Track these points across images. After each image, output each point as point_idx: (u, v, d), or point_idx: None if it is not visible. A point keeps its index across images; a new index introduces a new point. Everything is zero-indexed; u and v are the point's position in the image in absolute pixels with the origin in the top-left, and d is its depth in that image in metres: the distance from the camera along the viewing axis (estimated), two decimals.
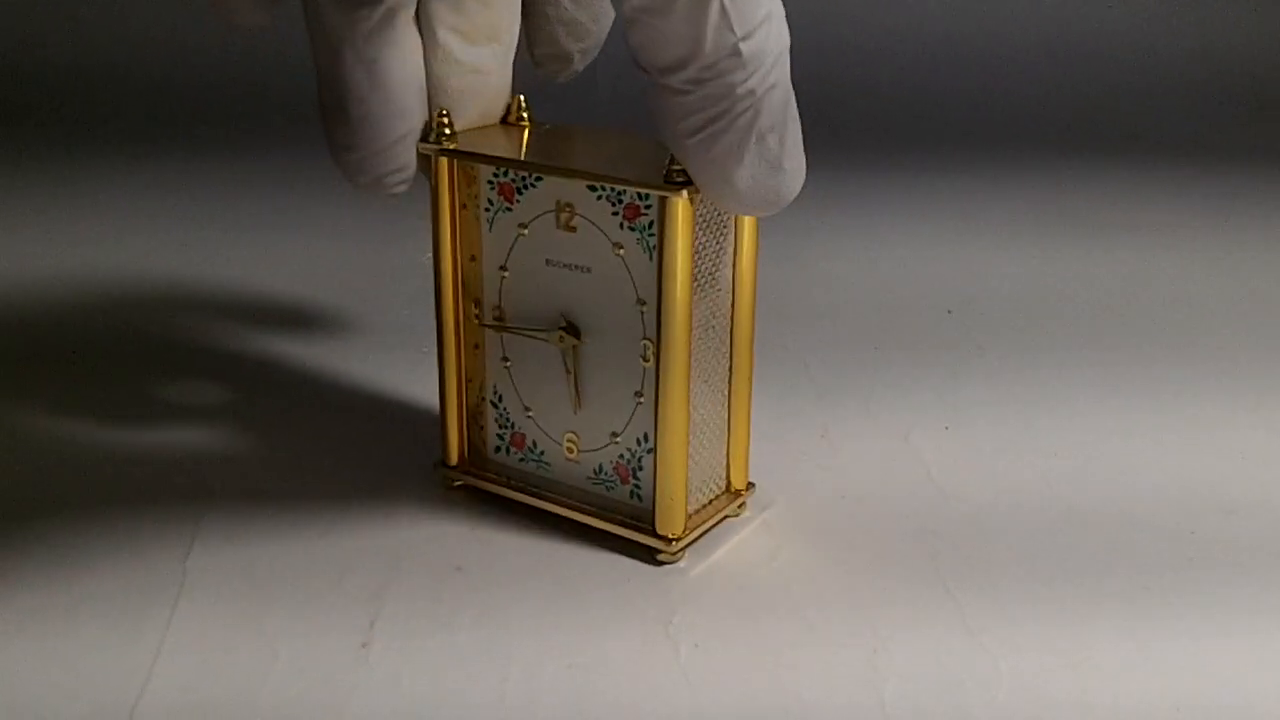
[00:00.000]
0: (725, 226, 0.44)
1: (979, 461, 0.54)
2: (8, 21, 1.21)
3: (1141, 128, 1.13)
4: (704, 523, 0.46)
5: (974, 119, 1.14)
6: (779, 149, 0.39)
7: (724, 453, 0.48)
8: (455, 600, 0.43)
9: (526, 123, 0.48)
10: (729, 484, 0.48)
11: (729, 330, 0.46)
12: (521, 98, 0.48)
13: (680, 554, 0.45)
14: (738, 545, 0.47)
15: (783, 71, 0.39)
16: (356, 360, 0.63)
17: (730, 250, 0.45)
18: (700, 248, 0.43)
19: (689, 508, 0.46)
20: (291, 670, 0.40)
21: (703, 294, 0.44)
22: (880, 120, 1.13)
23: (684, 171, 0.41)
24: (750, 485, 0.49)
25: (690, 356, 0.43)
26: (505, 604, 0.43)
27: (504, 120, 0.48)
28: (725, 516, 0.48)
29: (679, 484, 0.44)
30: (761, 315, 0.67)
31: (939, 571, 0.45)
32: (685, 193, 0.41)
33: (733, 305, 0.46)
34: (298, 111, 1.06)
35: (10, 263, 0.77)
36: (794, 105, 0.40)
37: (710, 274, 0.44)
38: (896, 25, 1.26)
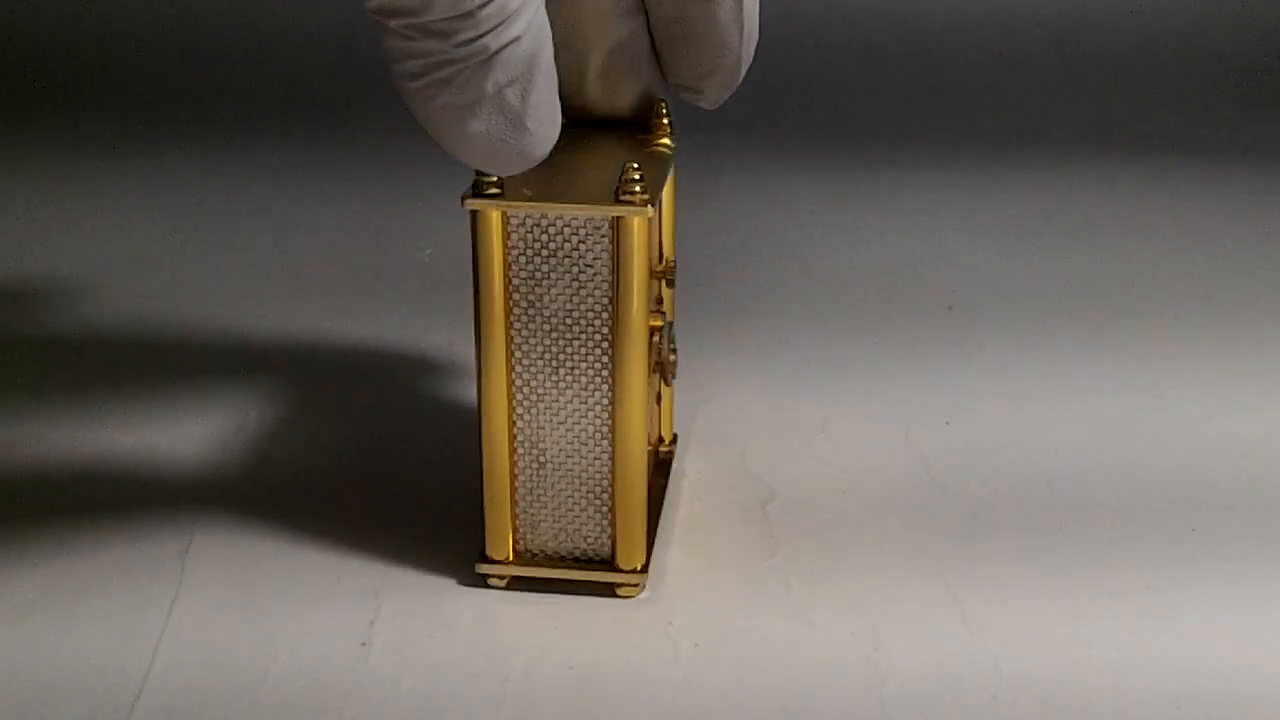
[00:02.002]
0: (553, 246, 0.41)
1: (979, 457, 0.54)
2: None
3: (1143, 126, 1.12)
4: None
5: (974, 115, 1.14)
6: (520, 105, 0.37)
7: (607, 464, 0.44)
8: (455, 599, 0.43)
9: None
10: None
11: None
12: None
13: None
14: (737, 543, 0.47)
15: (529, 26, 0.37)
16: (356, 361, 0.63)
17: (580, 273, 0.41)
18: (517, 268, 0.41)
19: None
20: (291, 669, 0.40)
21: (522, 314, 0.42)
22: (880, 116, 1.13)
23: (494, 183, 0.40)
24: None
25: (509, 379, 0.42)
26: (505, 603, 0.43)
27: None
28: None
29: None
30: (762, 312, 0.68)
31: (939, 568, 0.45)
32: (498, 207, 0.40)
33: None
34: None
35: (11, 249, 0.77)
36: (546, 62, 0.38)
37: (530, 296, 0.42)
38: (897, 22, 1.26)
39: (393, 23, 0.36)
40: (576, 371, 0.42)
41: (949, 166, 0.99)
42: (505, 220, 0.41)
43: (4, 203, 0.88)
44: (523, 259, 0.41)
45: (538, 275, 0.41)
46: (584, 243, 0.41)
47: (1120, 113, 1.14)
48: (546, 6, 0.44)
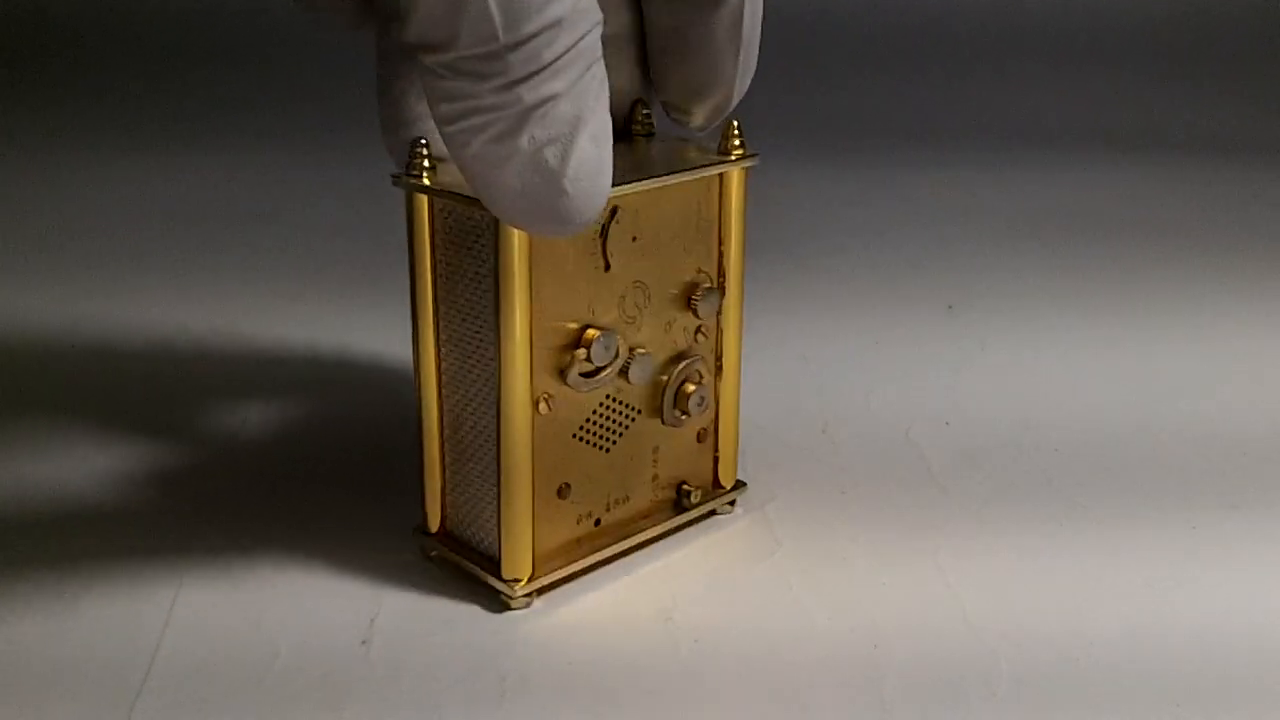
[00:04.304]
0: (479, 243, 0.41)
1: (980, 457, 0.54)
2: None
3: (1144, 124, 1.12)
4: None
5: (974, 114, 1.14)
6: (559, 166, 0.36)
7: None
8: (455, 598, 0.43)
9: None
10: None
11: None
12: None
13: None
14: (737, 541, 0.47)
15: (575, 83, 0.36)
16: (357, 361, 0.63)
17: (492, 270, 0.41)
18: (439, 255, 0.41)
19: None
20: (291, 668, 0.40)
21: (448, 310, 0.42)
22: (880, 115, 1.13)
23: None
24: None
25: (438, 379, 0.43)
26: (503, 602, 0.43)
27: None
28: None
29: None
30: (762, 311, 0.68)
31: (940, 567, 0.45)
32: (431, 199, 0.40)
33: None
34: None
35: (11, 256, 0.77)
36: (597, 125, 0.37)
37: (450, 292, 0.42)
38: (897, 21, 1.26)
39: (427, 60, 0.36)
40: (478, 368, 0.42)
41: (949, 166, 0.99)
42: (431, 206, 0.41)
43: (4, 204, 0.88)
44: (441, 247, 0.42)
45: (452, 265, 0.41)
46: (479, 240, 0.40)
47: (1121, 111, 1.14)
48: None
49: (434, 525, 0.45)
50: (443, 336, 0.43)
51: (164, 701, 0.38)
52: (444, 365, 0.43)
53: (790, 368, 0.62)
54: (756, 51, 0.45)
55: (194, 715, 0.37)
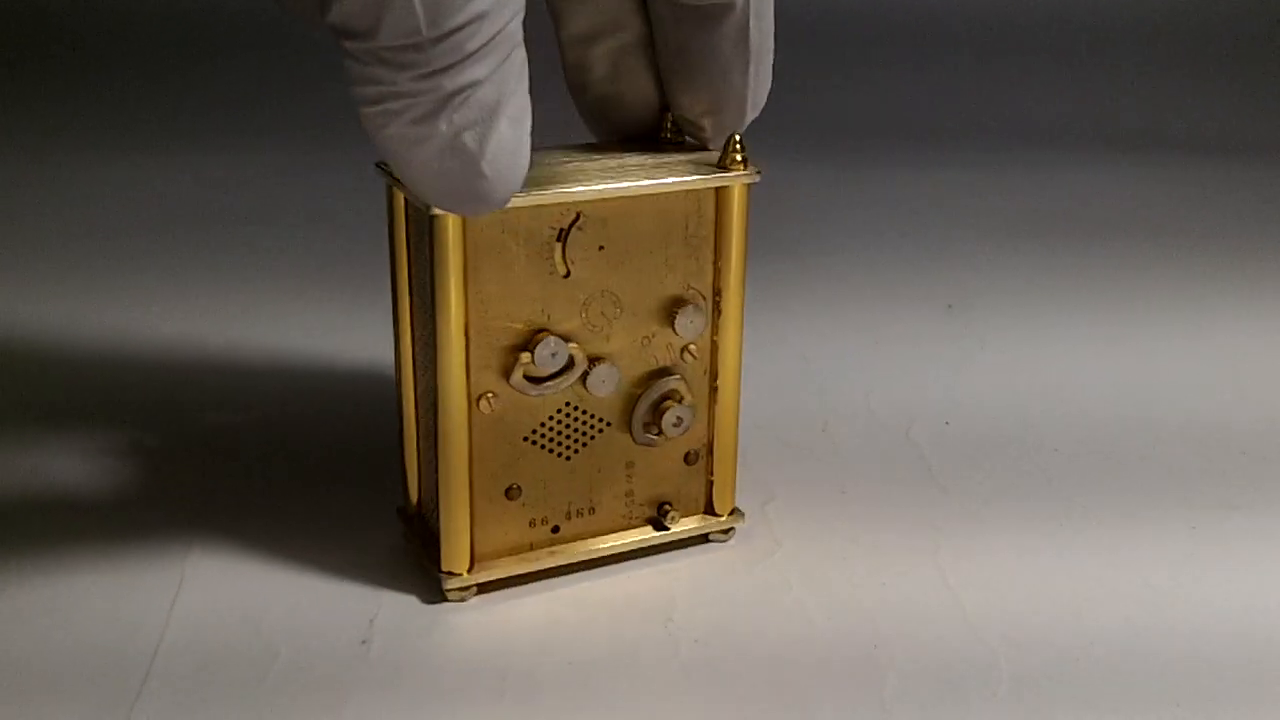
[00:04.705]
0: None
1: (979, 457, 0.54)
2: None
3: (1144, 124, 1.12)
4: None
5: (974, 114, 1.14)
6: (477, 149, 0.36)
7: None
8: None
9: None
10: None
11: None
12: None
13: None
14: (737, 541, 0.47)
15: (496, 69, 0.36)
16: (358, 361, 0.63)
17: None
18: (414, 251, 0.42)
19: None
20: (291, 667, 0.40)
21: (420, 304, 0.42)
22: (880, 113, 1.13)
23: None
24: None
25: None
26: (505, 601, 0.43)
27: None
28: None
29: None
30: (762, 310, 0.68)
31: (939, 567, 0.45)
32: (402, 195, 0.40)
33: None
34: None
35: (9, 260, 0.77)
36: (516, 107, 0.37)
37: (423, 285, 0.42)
38: (897, 20, 1.26)
39: (348, 45, 0.36)
40: (432, 359, 0.42)
41: (949, 166, 0.99)
42: (405, 198, 0.41)
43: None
44: (412, 238, 0.42)
45: (418, 256, 0.42)
46: (426, 235, 0.40)
47: (1121, 111, 1.14)
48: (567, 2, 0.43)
49: (410, 509, 0.45)
50: (416, 327, 0.43)
51: (164, 702, 0.38)
52: (416, 354, 0.43)
53: (790, 367, 0.62)
54: (769, 66, 0.44)
55: (194, 715, 0.37)
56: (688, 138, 0.46)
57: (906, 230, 0.84)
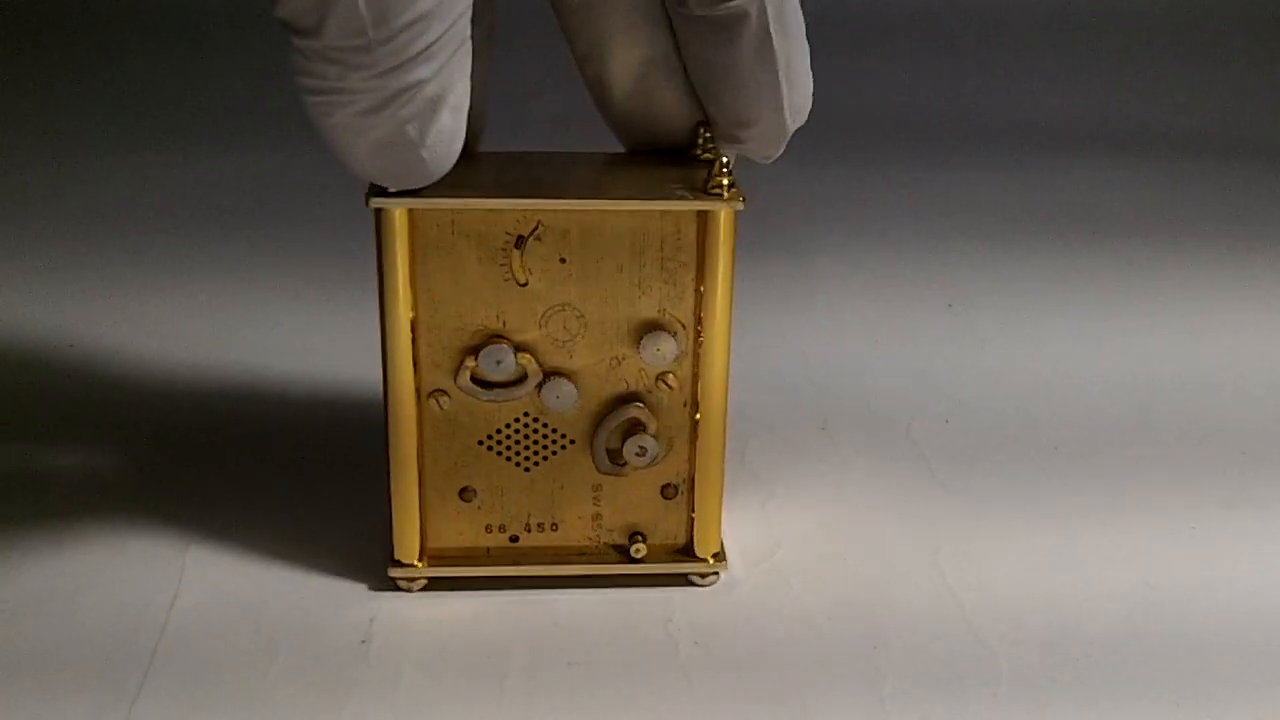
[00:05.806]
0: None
1: (979, 455, 0.54)
2: None
3: (1145, 124, 1.12)
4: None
5: (975, 114, 1.14)
6: (417, 138, 0.38)
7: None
8: (455, 597, 0.43)
9: None
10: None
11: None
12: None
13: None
14: (737, 541, 0.47)
15: (439, 69, 0.37)
16: (358, 360, 0.62)
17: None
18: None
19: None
20: (291, 667, 0.40)
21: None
22: (880, 114, 1.13)
23: None
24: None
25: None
26: (505, 601, 0.43)
27: None
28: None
29: None
30: (763, 310, 0.68)
31: (939, 566, 0.45)
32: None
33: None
34: None
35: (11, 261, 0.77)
36: (457, 97, 0.38)
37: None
38: (897, 20, 1.26)
39: (295, 41, 0.36)
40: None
41: (949, 166, 0.99)
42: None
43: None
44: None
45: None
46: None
47: (1122, 111, 1.14)
48: (575, 16, 0.43)
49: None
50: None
51: (164, 701, 0.38)
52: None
53: (790, 366, 0.62)
54: (804, 73, 0.43)
55: (194, 714, 0.37)
56: (723, 154, 0.43)
57: (907, 231, 0.84)
